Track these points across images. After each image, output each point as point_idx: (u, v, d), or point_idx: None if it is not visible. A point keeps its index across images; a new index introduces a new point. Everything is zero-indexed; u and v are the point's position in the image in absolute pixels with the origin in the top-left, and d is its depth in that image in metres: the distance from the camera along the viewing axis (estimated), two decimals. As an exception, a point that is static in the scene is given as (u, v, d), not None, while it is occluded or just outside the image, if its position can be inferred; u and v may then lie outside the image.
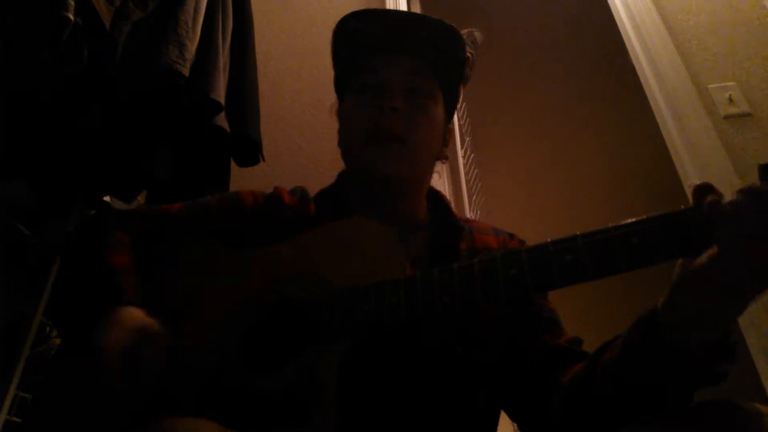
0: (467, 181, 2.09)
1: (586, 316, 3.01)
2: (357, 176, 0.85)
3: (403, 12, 1.10)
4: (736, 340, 0.51)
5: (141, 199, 1.32)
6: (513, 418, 0.75)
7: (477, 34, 0.92)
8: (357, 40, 0.85)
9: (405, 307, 0.58)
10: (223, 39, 1.26)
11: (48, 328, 1.15)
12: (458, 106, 1.03)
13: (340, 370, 0.58)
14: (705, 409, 0.50)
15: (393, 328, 0.59)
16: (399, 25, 0.84)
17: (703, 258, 0.47)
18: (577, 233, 0.52)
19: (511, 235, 0.86)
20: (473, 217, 2.04)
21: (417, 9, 2.22)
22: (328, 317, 0.61)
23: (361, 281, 0.61)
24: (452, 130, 0.94)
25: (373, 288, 0.60)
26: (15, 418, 1.00)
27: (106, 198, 1.26)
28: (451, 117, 0.93)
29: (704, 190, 0.48)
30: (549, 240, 0.53)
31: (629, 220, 0.50)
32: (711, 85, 1.76)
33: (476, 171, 2.25)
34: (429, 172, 0.88)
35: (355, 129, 0.82)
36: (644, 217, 0.50)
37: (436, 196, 0.90)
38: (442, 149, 0.89)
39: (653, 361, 0.52)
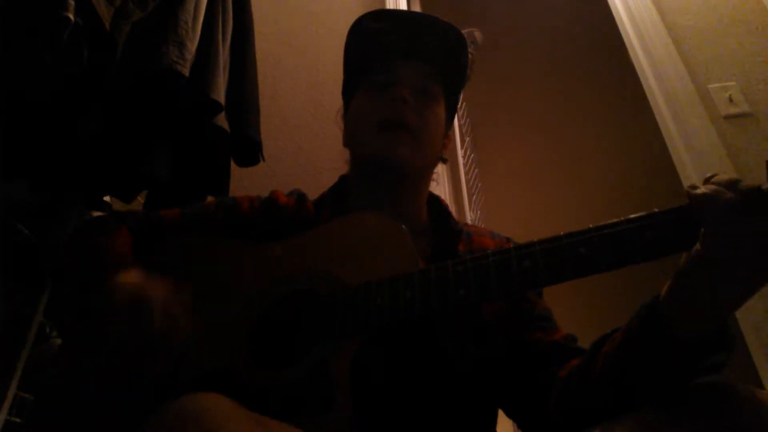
0: (467, 181, 2.09)
1: (583, 315, 3.01)
2: (365, 168, 0.87)
3: (416, 13, 1.13)
4: (733, 332, 0.51)
5: (141, 199, 1.32)
6: (509, 414, 0.75)
7: (477, 34, 0.93)
8: (372, 40, 0.88)
9: (420, 300, 0.57)
10: (223, 39, 1.26)
11: (48, 328, 1.15)
12: (458, 106, 1.05)
13: (353, 367, 0.57)
14: (698, 392, 0.50)
15: (407, 323, 0.58)
16: (412, 27, 0.87)
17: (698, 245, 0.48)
18: (591, 226, 0.53)
19: (508, 239, 0.87)
20: (473, 217, 2.05)
21: (417, 9, 2.22)
22: (342, 313, 0.60)
23: (374, 276, 0.61)
24: (451, 137, 0.97)
25: (386, 283, 0.60)
26: (15, 418, 1.00)
27: (106, 198, 1.26)
28: (451, 122, 0.96)
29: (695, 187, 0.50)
30: (562, 233, 0.53)
31: (638, 214, 0.51)
32: (711, 85, 1.76)
33: (476, 171, 2.25)
34: (430, 172, 0.91)
35: (367, 121, 0.84)
36: (655, 210, 0.51)
37: (435, 201, 0.92)
38: (442, 151, 0.92)
39: (652, 350, 0.52)
